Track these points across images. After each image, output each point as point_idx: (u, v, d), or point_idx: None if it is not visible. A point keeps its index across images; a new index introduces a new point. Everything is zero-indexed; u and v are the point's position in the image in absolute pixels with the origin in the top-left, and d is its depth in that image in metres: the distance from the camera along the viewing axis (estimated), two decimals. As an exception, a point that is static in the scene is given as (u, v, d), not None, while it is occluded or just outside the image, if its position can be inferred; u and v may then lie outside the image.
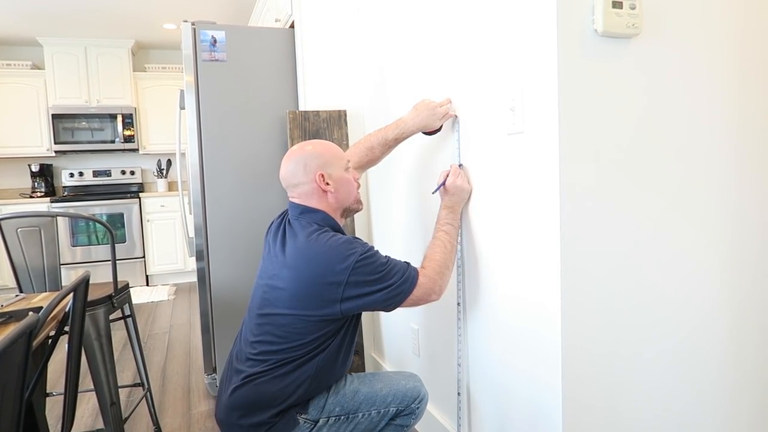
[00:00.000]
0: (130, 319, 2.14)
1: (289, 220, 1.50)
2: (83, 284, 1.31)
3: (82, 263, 4.89)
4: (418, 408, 1.55)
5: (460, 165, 1.64)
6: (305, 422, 1.41)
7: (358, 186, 1.57)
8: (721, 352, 1.46)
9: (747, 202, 1.46)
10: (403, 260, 1.44)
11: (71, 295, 1.26)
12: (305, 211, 1.47)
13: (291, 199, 1.51)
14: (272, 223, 1.59)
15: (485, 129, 1.51)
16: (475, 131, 1.57)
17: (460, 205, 1.62)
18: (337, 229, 1.48)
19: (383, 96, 2.28)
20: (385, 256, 1.42)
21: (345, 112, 2.50)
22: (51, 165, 5.30)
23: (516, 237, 1.42)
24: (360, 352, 2.54)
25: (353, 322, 1.48)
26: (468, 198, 1.61)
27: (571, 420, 1.30)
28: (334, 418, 1.44)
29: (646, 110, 1.31)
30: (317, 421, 1.43)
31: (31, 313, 0.91)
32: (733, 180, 1.43)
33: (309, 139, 2.44)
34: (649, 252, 1.34)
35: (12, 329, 0.83)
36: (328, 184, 1.46)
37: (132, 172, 5.50)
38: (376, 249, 1.41)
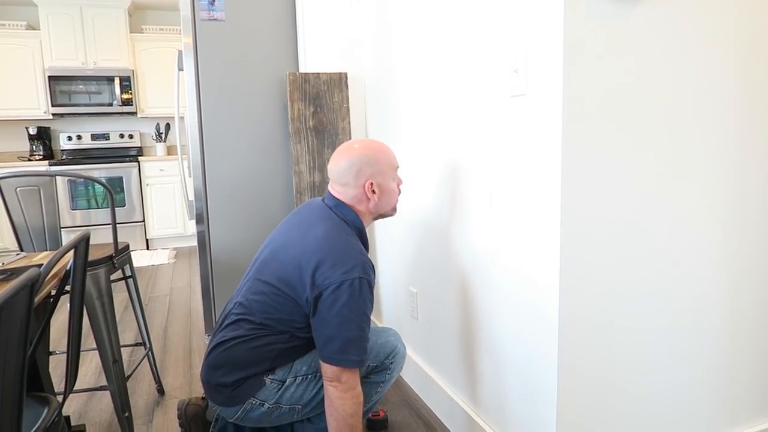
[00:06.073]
0: (131, 279, 2.15)
1: (322, 200, 1.54)
2: (84, 242, 1.31)
3: (82, 226, 4.90)
4: (392, 363, 1.53)
5: None
6: (272, 382, 1.43)
7: (400, 192, 1.58)
8: (719, 325, 1.48)
9: (750, 171, 1.45)
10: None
11: (72, 253, 1.26)
12: (340, 205, 1.49)
13: (331, 189, 1.52)
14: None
15: (488, 91, 1.49)
16: (478, 93, 1.54)
17: None
18: (360, 232, 1.51)
19: (386, 59, 2.24)
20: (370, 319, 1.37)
21: (346, 74, 2.46)
22: (49, 128, 5.25)
23: (516, 199, 1.41)
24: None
25: None
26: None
27: (566, 386, 1.33)
28: (301, 377, 1.45)
29: (653, 72, 1.29)
30: (284, 381, 1.44)
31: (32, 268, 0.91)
32: (736, 146, 1.42)
33: (309, 101, 2.41)
34: (650, 220, 1.34)
35: (14, 282, 0.83)
36: (374, 192, 1.49)
37: (131, 136, 5.46)
38: (370, 289, 1.36)
